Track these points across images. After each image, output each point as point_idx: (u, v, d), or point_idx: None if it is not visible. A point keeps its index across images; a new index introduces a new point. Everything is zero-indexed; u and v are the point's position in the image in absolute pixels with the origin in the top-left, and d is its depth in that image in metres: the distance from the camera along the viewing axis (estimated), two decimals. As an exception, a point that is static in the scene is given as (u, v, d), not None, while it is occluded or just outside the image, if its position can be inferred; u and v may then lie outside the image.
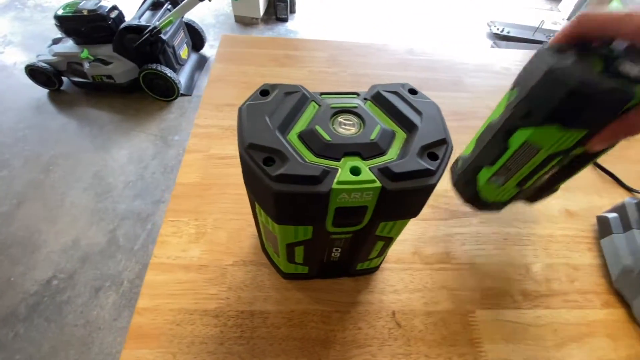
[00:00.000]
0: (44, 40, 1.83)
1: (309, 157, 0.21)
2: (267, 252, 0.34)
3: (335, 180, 0.20)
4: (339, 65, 0.58)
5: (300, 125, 0.23)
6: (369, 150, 0.21)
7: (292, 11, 2.40)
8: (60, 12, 1.50)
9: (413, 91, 0.26)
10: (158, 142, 1.53)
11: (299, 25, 2.34)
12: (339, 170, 0.20)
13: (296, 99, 0.24)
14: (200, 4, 1.48)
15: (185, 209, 0.38)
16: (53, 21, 1.50)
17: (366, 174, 0.20)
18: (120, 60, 1.58)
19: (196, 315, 0.31)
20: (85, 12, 1.50)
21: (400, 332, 0.32)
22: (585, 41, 0.23)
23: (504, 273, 0.36)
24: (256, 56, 0.58)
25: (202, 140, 0.44)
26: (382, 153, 0.22)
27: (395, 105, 0.24)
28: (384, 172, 0.20)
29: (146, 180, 1.39)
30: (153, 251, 0.34)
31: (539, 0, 2.81)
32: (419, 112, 0.24)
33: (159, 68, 1.56)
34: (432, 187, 0.21)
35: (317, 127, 0.22)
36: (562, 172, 0.29)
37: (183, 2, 1.47)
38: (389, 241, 0.29)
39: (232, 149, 0.44)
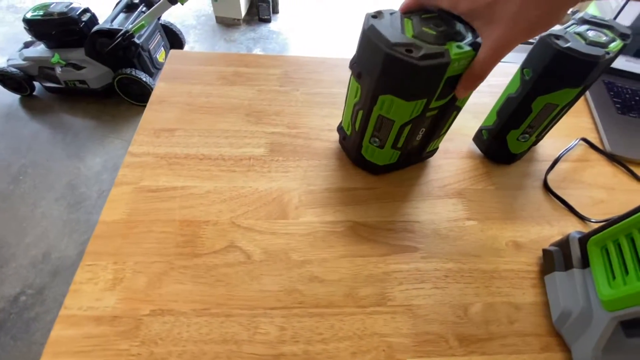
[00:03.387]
0: (17, 43, 1.77)
1: (428, 45, 0.30)
2: (361, 158, 0.43)
3: (451, 53, 0.30)
4: (292, 83, 0.55)
5: (409, 31, 0.31)
6: (459, 36, 0.31)
7: (275, 11, 2.36)
8: (29, 15, 1.46)
9: None
10: (133, 149, 1.49)
11: (282, 26, 2.31)
12: (449, 49, 0.30)
13: (398, 16, 0.32)
14: (173, 6, 1.44)
15: (105, 251, 0.35)
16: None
17: (466, 48, 0.30)
18: (93, 65, 1.54)
19: (102, 375, 0.29)
20: (55, 15, 1.46)
21: (324, 386, 0.30)
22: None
23: (441, 315, 0.34)
24: (204, 74, 0.55)
25: (134, 171, 0.42)
26: (464, 37, 0.31)
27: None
28: (473, 45, 0.31)
29: (119, 190, 1.35)
30: (64, 302, 0.32)
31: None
32: None
33: (133, 73, 1.52)
34: None
35: (424, 28, 0.31)
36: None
37: (155, 6, 1.43)
38: (457, 113, 0.39)
39: (165, 180, 0.41)
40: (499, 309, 0.35)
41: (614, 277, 0.29)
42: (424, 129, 0.39)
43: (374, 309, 0.34)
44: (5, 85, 1.60)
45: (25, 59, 1.55)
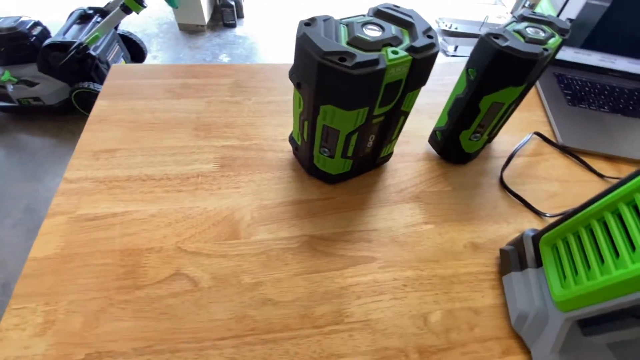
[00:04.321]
0: (-38, 62, 1.66)
1: (362, 52, 0.29)
2: (315, 168, 0.41)
3: (386, 59, 0.29)
4: (244, 93, 0.53)
5: (344, 37, 0.31)
6: (395, 41, 0.31)
7: (240, 16, 2.32)
8: (-26, 33, 1.37)
9: (396, 6, 0.35)
10: (97, 167, 1.43)
11: (248, 30, 2.27)
12: (384, 55, 0.29)
13: (333, 23, 0.32)
14: (131, 15, 1.38)
15: (35, 292, 0.32)
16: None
17: (402, 53, 0.30)
18: (47, 80, 1.46)
19: None
20: (4, 31, 1.37)
21: (278, 418, 0.28)
22: None
23: (400, 328, 0.33)
24: (149, 88, 0.52)
25: (70, 199, 0.39)
26: (402, 42, 0.31)
27: (393, 14, 0.34)
28: (410, 49, 0.30)
29: (83, 210, 1.29)
30: (-15, 353, 0.29)
31: (485, -7, 2.87)
32: (408, 15, 0.34)
33: (91, 86, 1.45)
34: (436, 54, 0.32)
35: (358, 35, 0.30)
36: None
37: (108, 16, 1.37)
38: (406, 117, 0.39)
39: (104, 206, 0.38)
40: (458, 315, 0.34)
41: (565, 277, 0.29)
42: (373, 136, 0.38)
43: (331, 328, 0.33)
44: (-49, 107, 1.49)
45: (-28, 78, 1.45)
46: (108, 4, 1.54)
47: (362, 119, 0.34)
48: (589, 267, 0.27)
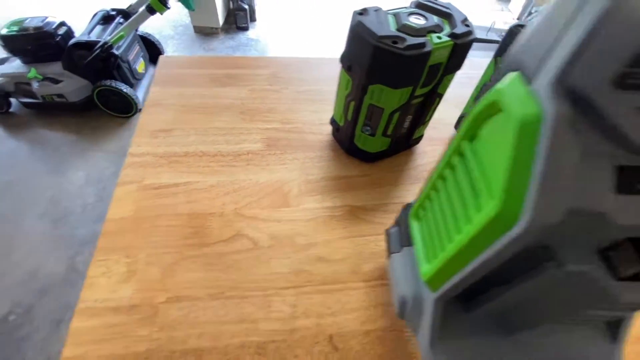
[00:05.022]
0: (-12, 61, 1.73)
1: (410, 37, 0.33)
2: (354, 147, 0.46)
3: (432, 43, 0.33)
4: (281, 82, 0.58)
5: (392, 24, 0.35)
6: (437, 28, 0.35)
7: (253, 19, 2.38)
8: (4, 32, 1.43)
9: (435, 0, 0.39)
10: (118, 161, 1.48)
11: (260, 33, 2.33)
12: (430, 40, 0.34)
13: (382, 13, 0.36)
14: (152, 16, 1.44)
15: (116, 247, 0.36)
16: (-3, 40, 1.42)
17: (444, 38, 0.34)
18: (71, 78, 1.52)
19: (126, 360, 0.30)
20: (31, 30, 1.44)
21: (337, 355, 0.32)
22: None
23: (438, 284, 0.37)
24: (196, 77, 0.57)
25: (136, 171, 0.43)
26: (442, 29, 0.36)
27: (432, 6, 0.38)
28: (451, 35, 0.35)
29: (105, 202, 1.34)
30: (80, 296, 0.33)
31: (491, 1, 2.93)
32: (446, 8, 0.38)
33: (113, 84, 1.51)
34: (472, 41, 0.36)
35: (406, 22, 0.35)
36: None
37: (134, 16, 1.43)
38: (440, 100, 0.43)
39: (167, 177, 0.43)
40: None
41: (429, 252, 0.25)
42: (410, 117, 0.42)
43: (377, 282, 0.37)
44: (-21, 103, 1.55)
45: (0, 75, 1.51)
46: (130, 5, 1.60)
47: (405, 98, 0.38)
48: (447, 235, 0.22)
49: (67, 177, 1.41)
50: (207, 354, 0.31)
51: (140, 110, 1.64)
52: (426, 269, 0.24)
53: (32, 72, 1.47)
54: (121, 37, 1.44)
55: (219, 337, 0.32)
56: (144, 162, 0.44)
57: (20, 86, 1.54)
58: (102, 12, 1.61)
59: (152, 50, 1.84)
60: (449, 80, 0.40)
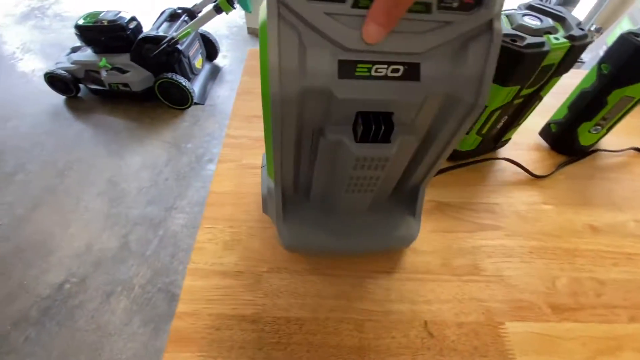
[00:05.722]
0: (61, 49, 1.88)
1: (529, 36, 0.34)
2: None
3: (550, 44, 0.34)
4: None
5: (508, 24, 0.36)
6: (553, 30, 0.36)
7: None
8: (81, 22, 1.55)
9: (546, 2, 0.40)
10: (171, 150, 1.55)
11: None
12: (547, 40, 0.34)
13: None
14: (217, 16, 1.52)
15: (220, 217, 0.39)
16: (71, 30, 1.54)
17: (562, 40, 0.35)
18: (136, 69, 1.62)
19: (234, 321, 0.32)
20: (105, 23, 1.54)
21: (432, 342, 0.32)
22: None
23: (531, 285, 0.37)
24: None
25: (234, 151, 0.46)
26: (557, 31, 0.36)
27: (544, 9, 0.38)
28: (568, 38, 0.35)
29: (159, 187, 1.40)
30: (190, 257, 0.36)
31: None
32: (558, 11, 0.38)
33: (174, 77, 1.59)
34: (587, 44, 0.37)
35: (522, 23, 0.35)
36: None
37: (201, 14, 1.51)
38: (539, 102, 0.43)
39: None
40: (584, 283, 0.37)
41: (268, 156, 0.30)
42: (506, 117, 0.43)
43: (469, 278, 0.37)
44: (53, 87, 1.69)
45: (73, 62, 1.64)
46: (195, 5, 1.69)
47: (509, 97, 0.38)
48: None
49: (125, 161, 1.50)
50: (309, 324, 0.32)
51: (194, 103, 1.72)
52: (268, 168, 0.31)
53: (103, 61, 1.58)
54: (187, 34, 1.53)
55: (317, 309, 0.33)
56: (240, 143, 0.47)
57: (90, 73, 1.66)
58: (170, 10, 1.71)
59: (209, 48, 1.94)
60: (554, 83, 0.40)
